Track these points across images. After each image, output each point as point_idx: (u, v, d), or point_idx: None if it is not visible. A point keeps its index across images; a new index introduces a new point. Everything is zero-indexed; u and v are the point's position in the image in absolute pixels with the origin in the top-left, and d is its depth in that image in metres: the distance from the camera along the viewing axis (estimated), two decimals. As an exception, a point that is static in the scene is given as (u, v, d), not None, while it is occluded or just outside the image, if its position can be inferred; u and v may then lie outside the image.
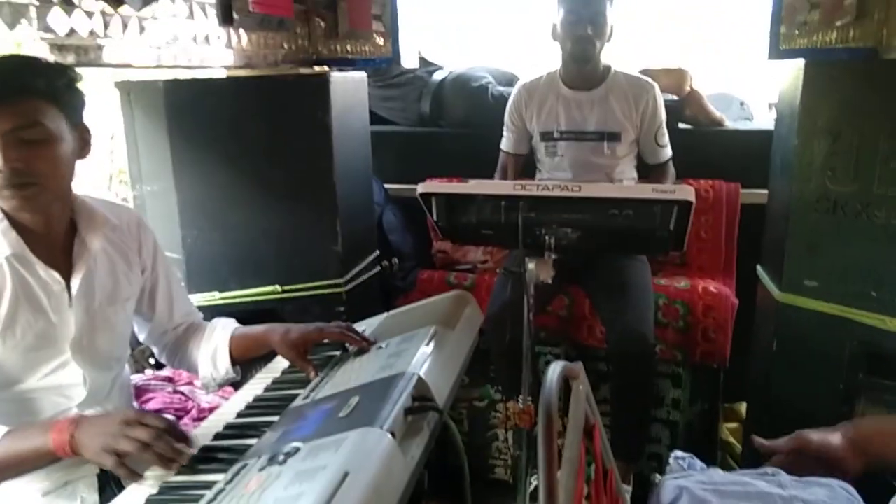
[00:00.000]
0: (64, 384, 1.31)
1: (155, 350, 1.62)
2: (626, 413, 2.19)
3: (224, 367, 1.53)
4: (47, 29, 1.45)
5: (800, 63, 1.90)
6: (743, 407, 2.56)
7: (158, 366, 2.12)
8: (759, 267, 2.23)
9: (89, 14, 1.55)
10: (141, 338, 1.59)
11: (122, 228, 1.42)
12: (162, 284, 1.52)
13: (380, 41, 2.68)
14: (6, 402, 1.27)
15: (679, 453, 1.25)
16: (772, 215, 2.19)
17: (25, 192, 1.17)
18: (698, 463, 1.22)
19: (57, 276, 1.28)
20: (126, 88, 2.04)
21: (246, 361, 1.58)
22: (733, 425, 2.60)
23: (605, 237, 1.72)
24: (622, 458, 2.03)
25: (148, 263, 1.49)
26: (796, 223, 1.92)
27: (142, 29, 1.72)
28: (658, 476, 1.26)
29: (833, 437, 1.12)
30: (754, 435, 1.26)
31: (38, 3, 1.42)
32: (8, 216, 1.23)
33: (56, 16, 1.47)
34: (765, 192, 2.30)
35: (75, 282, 1.30)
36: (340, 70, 2.47)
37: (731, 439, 2.55)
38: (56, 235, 1.30)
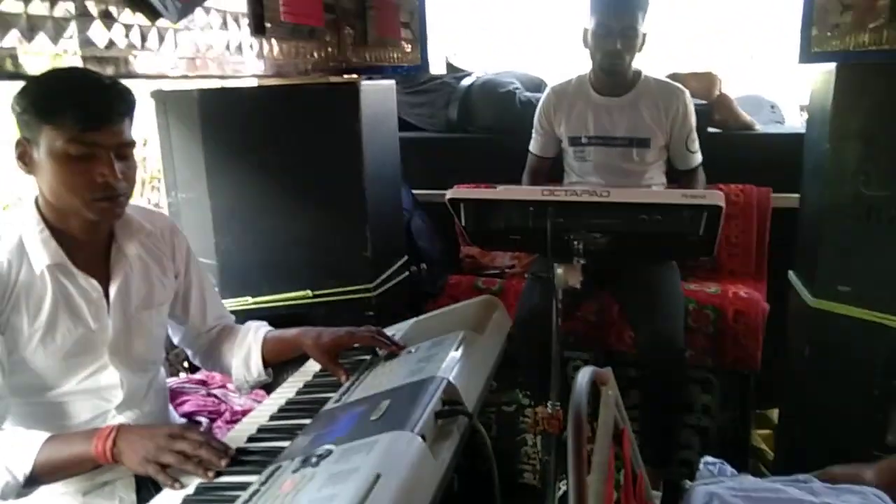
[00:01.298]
0: (102, 387, 1.35)
1: (189, 353, 1.66)
2: (655, 418, 2.18)
3: (256, 369, 1.55)
4: (87, 42, 1.49)
5: (831, 66, 1.88)
6: (775, 413, 2.53)
7: (192, 369, 2.16)
8: (791, 272, 2.21)
9: (128, 27, 1.60)
10: (175, 340, 1.63)
11: (156, 235, 1.46)
12: (195, 288, 1.56)
13: (408, 48, 2.70)
14: (47, 405, 1.31)
15: (709, 459, 1.25)
16: (804, 220, 2.17)
17: (117, 203, 1.25)
18: (728, 469, 1.21)
19: (95, 283, 1.31)
20: (161, 98, 2.08)
21: (278, 364, 1.61)
22: (765, 432, 2.57)
23: (634, 242, 1.72)
24: (652, 464, 2.02)
25: (181, 268, 1.52)
26: (829, 228, 1.90)
27: (177, 40, 1.76)
28: (688, 482, 1.25)
29: (865, 475, 1.11)
30: None
31: (78, 17, 1.47)
32: (49, 225, 1.27)
33: (96, 29, 1.51)
34: (797, 196, 2.28)
35: (113, 288, 1.34)
36: (369, 77, 2.50)
37: (763, 446, 2.52)
38: (97, 243, 1.34)
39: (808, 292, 2.00)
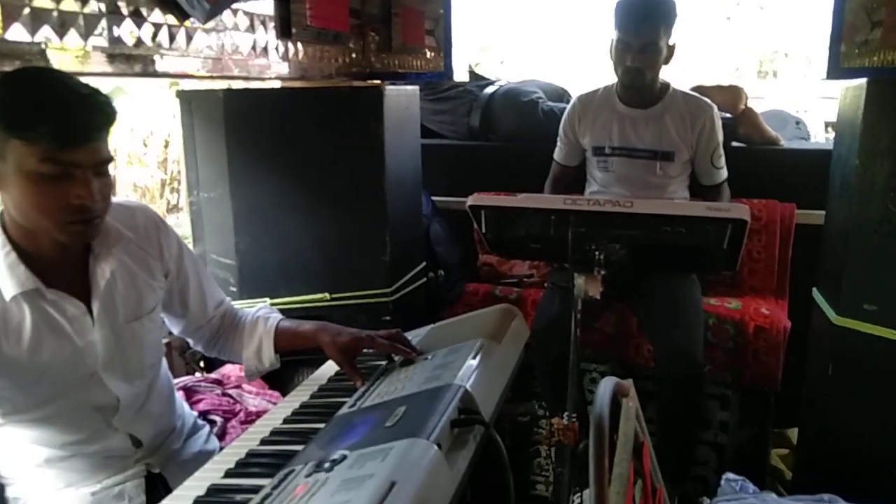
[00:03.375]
0: (98, 403, 1.30)
1: (189, 341, 1.62)
2: (671, 434, 2.15)
3: (269, 360, 1.53)
4: (116, 40, 1.51)
5: (861, 82, 1.86)
6: (794, 433, 2.49)
7: (208, 368, 2.16)
8: (815, 290, 2.17)
9: (157, 26, 1.61)
10: (175, 332, 1.58)
11: (139, 236, 1.37)
12: (192, 283, 1.49)
13: (432, 55, 2.70)
14: (42, 422, 1.26)
15: (731, 475, 1.22)
16: (829, 237, 2.13)
17: (92, 226, 1.17)
18: (751, 486, 1.18)
19: (76, 301, 1.23)
20: (187, 98, 2.09)
21: (291, 355, 1.58)
22: (784, 451, 2.53)
23: (655, 254, 1.70)
24: (667, 480, 1.98)
25: (172, 266, 1.44)
26: (856, 246, 1.87)
27: (204, 40, 1.77)
28: (706, 499, 1.22)
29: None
30: None
31: (108, 15, 1.48)
32: (17, 246, 1.18)
33: (126, 27, 1.52)
34: (821, 212, 2.24)
35: (96, 304, 1.26)
36: (392, 84, 2.50)
37: (781, 465, 2.48)
38: (72, 259, 1.25)
39: (832, 310, 1.97)
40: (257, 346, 1.53)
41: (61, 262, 1.22)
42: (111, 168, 1.19)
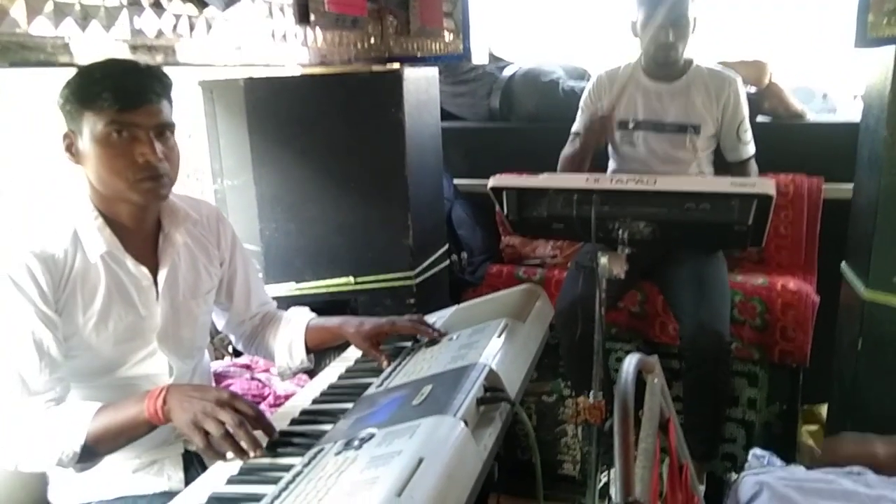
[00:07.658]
0: (151, 373, 1.37)
1: (232, 338, 1.68)
2: (699, 411, 2.14)
3: (299, 356, 1.58)
4: (137, 31, 1.52)
5: (890, 51, 1.82)
6: (823, 409, 2.47)
7: (237, 353, 2.20)
8: (843, 264, 2.15)
9: (176, 16, 1.62)
10: (219, 326, 1.65)
11: (202, 223, 1.47)
12: (240, 276, 1.57)
13: (450, 38, 2.69)
14: (99, 389, 1.33)
15: (758, 450, 1.23)
16: (858, 210, 2.10)
17: (161, 184, 1.26)
18: (778, 460, 1.18)
19: (146, 271, 1.33)
20: (209, 87, 2.12)
21: (320, 351, 1.63)
22: (813, 427, 2.51)
23: (680, 231, 1.69)
24: (695, 457, 1.98)
25: (226, 255, 1.54)
26: (885, 218, 1.84)
27: (224, 29, 1.78)
28: (734, 475, 1.23)
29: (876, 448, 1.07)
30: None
31: (129, 6, 1.50)
32: (102, 214, 1.29)
33: (146, 18, 1.54)
34: (849, 186, 2.21)
35: (161, 276, 1.36)
36: (412, 67, 2.49)
37: (811, 442, 2.46)
38: (145, 231, 1.35)
39: (861, 284, 1.94)
40: (289, 342, 1.58)
41: (136, 234, 1.33)
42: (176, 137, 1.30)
